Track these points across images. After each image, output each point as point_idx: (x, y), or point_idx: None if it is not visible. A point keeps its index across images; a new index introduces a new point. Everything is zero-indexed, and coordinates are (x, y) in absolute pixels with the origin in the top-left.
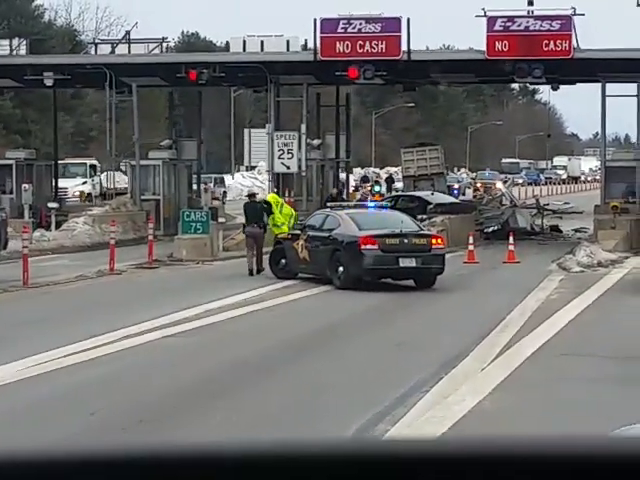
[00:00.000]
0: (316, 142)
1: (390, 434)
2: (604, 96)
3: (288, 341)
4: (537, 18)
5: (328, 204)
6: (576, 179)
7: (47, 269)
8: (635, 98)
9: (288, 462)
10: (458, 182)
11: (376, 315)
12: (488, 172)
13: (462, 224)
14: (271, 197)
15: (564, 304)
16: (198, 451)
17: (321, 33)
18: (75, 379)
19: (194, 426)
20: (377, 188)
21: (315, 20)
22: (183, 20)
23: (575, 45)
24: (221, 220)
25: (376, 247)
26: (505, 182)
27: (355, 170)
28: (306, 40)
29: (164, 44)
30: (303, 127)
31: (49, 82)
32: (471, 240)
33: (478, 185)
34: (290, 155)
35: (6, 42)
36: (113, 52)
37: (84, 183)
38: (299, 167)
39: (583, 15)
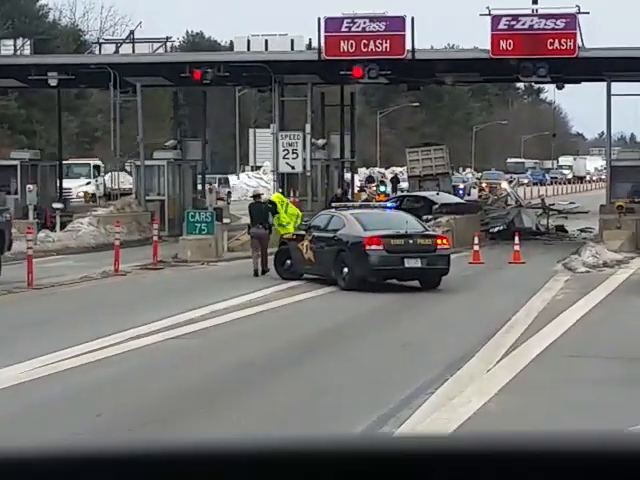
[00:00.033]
0: (321, 142)
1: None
2: (609, 95)
3: (293, 342)
4: (542, 17)
5: (333, 204)
6: (581, 179)
7: (52, 270)
8: None
9: (300, 458)
10: (463, 182)
11: (381, 316)
12: (493, 172)
13: (467, 224)
14: (276, 197)
15: (570, 304)
16: (209, 448)
17: (325, 32)
18: (81, 380)
19: (200, 427)
20: (382, 188)
21: (319, 19)
22: (187, 20)
23: (580, 44)
24: (226, 221)
25: (381, 248)
26: (510, 182)
27: (360, 170)
28: (310, 39)
29: (168, 44)
30: (308, 127)
31: (53, 82)
32: (476, 240)
33: (483, 185)
34: (295, 155)
35: (10, 42)
36: (117, 52)
37: (88, 184)
38: (304, 167)
39: (588, 14)
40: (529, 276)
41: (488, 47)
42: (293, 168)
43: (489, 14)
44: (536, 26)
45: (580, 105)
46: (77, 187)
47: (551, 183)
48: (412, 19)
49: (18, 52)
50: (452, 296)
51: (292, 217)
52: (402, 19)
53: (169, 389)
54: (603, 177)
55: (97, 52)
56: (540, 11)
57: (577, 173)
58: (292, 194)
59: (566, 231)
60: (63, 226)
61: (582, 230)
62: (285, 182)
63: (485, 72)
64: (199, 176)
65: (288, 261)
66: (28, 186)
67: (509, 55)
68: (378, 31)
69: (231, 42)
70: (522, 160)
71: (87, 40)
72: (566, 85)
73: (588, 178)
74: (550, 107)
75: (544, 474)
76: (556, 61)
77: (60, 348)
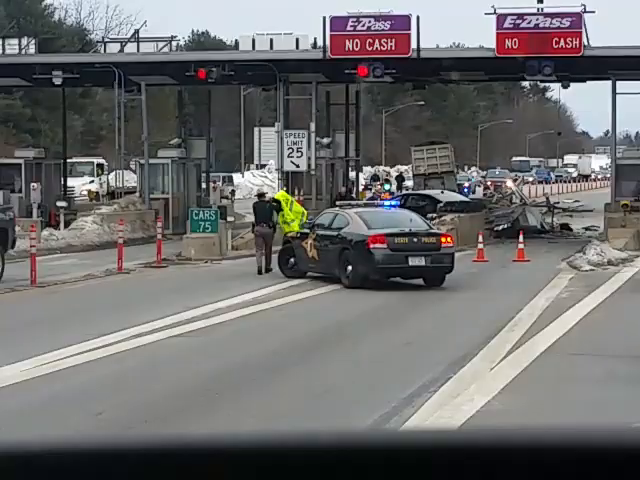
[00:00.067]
0: (326, 140)
1: None
2: (614, 94)
3: (296, 340)
4: (547, 15)
5: (337, 203)
6: (586, 177)
7: (55, 268)
8: None
9: (305, 453)
10: (468, 180)
11: (385, 314)
12: (498, 170)
13: (472, 223)
14: (281, 195)
15: (574, 303)
16: (213, 441)
17: (330, 31)
18: (82, 378)
19: (201, 426)
20: (387, 186)
21: (324, 18)
22: (193, 19)
23: (585, 42)
24: (230, 219)
25: (385, 246)
26: (515, 180)
27: (365, 169)
28: (315, 38)
29: (173, 42)
30: (312, 125)
31: (58, 81)
32: (481, 239)
33: (488, 183)
34: (299, 154)
35: (15, 41)
36: (122, 51)
37: (91, 182)
38: (308, 166)
39: (593, 12)
40: (533, 274)
41: (493, 46)
42: (298, 167)
43: (494, 13)
44: (541, 25)
45: (585, 104)
46: (80, 185)
47: (556, 181)
48: (417, 18)
49: (23, 51)
50: (456, 294)
51: (297, 215)
52: (407, 18)
53: (171, 387)
54: (608, 175)
55: (102, 51)
56: (545, 10)
57: (582, 171)
58: (297, 193)
59: (571, 229)
60: (67, 224)
61: (587, 228)
62: (290, 181)
63: (490, 71)
64: (203, 174)
65: (292, 259)
66: (32, 184)
67: (514, 54)
68: (383, 30)
69: (236, 41)
70: (527, 158)
71: (92, 39)
72: (571, 84)
73: (593, 176)
74: (555, 106)
75: (557, 468)
76: (561, 60)
77: (62, 346)
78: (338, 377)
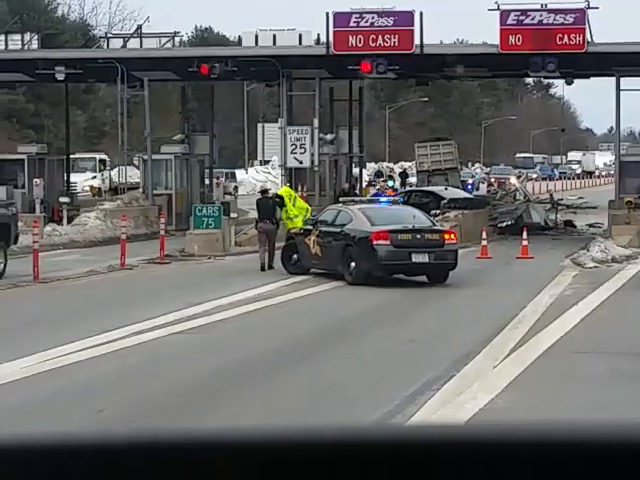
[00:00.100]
0: (329, 137)
1: None
2: (618, 90)
3: (299, 337)
4: (551, 12)
5: (340, 199)
6: (590, 174)
7: (58, 264)
8: None
9: (309, 447)
10: (472, 177)
11: (388, 311)
12: (502, 167)
13: (476, 219)
14: (284, 190)
15: (578, 300)
16: (217, 436)
17: (334, 27)
18: (84, 375)
19: (203, 423)
20: (390, 183)
21: (328, 14)
22: (196, 14)
23: (589, 39)
24: (233, 215)
25: (388, 242)
26: (519, 177)
27: (369, 165)
28: (319, 34)
29: (176, 38)
30: (316, 121)
31: (61, 76)
32: (484, 235)
33: (492, 180)
34: (303, 150)
35: (18, 36)
36: (125, 46)
37: (93, 178)
38: (312, 162)
39: (597, 8)
40: (537, 271)
41: (497, 42)
42: (301, 163)
43: (498, 9)
44: (545, 21)
45: (589, 100)
46: (83, 181)
47: (560, 178)
48: (421, 14)
49: (26, 46)
50: (460, 291)
51: (300, 211)
52: (411, 14)
53: (172, 384)
54: (612, 172)
55: (105, 46)
56: (549, 6)
57: (586, 168)
58: (300, 189)
59: (575, 226)
60: (70, 220)
61: (591, 225)
62: (293, 177)
63: (494, 67)
64: (207, 170)
65: (295, 256)
66: (35, 180)
67: (518, 50)
68: (387, 26)
69: (239, 37)
70: (531, 155)
71: (95, 35)
72: (575, 80)
73: (597, 173)
74: (559, 102)
75: (563, 463)
76: (565, 56)
77: (64, 342)
78: (341, 374)
